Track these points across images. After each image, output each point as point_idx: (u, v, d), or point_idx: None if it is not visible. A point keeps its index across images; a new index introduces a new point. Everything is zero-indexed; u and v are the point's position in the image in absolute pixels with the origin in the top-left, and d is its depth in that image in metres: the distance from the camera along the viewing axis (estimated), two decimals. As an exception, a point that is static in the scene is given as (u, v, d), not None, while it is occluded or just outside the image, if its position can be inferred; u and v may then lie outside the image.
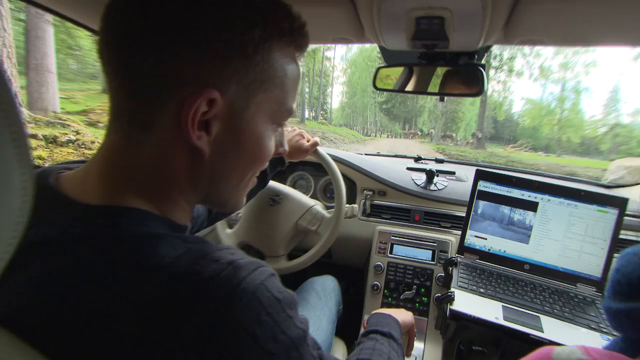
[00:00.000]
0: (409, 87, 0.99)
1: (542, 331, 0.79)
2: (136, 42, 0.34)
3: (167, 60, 0.34)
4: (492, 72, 24.44)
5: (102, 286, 0.31)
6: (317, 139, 1.03)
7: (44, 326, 0.31)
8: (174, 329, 0.30)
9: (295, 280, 1.12)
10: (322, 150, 1.05)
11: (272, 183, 1.17)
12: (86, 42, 14.89)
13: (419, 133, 29.65)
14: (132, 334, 0.30)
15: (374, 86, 1.04)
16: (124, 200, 0.36)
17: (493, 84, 26.57)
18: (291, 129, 1.02)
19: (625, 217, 0.95)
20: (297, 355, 0.35)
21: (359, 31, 0.80)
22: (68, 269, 0.32)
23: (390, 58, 1.01)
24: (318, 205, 1.14)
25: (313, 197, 1.37)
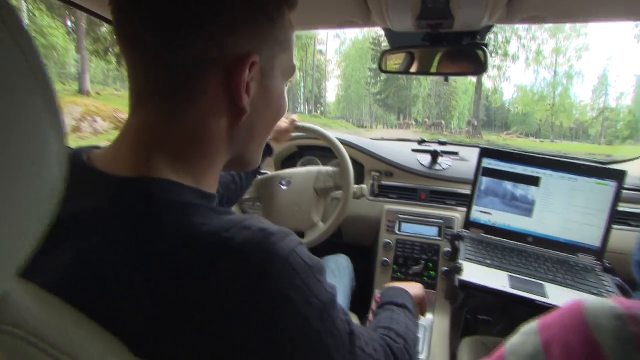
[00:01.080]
0: (414, 68, 1.02)
1: (546, 297, 0.83)
2: (175, 19, 0.36)
3: (207, 33, 0.36)
4: (486, 56, 24.18)
5: (140, 255, 0.33)
6: (294, 116, 1.08)
7: (90, 296, 0.33)
8: (212, 295, 0.32)
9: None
10: (303, 123, 1.11)
11: (275, 172, 1.22)
12: (60, 41, 14.02)
13: (413, 123, 29.05)
14: (172, 299, 0.31)
15: (380, 69, 1.06)
16: (156, 172, 0.37)
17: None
18: None
19: (623, 190, 0.99)
20: (329, 317, 0.37)
21: (365, 13, 0.82)
22: (107, 240, 0.34)
23: (395, 41, 1.04)
24: (324, 167, 1.18)
25: None
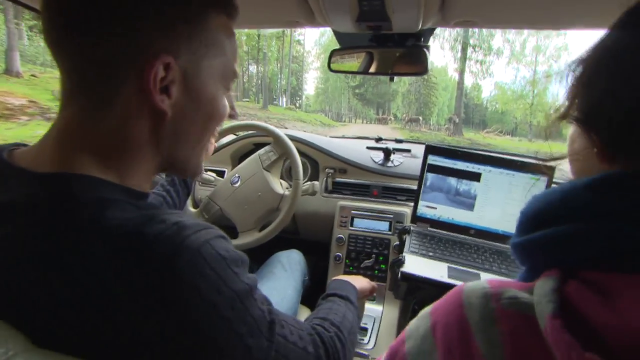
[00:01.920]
0: (362, 68, 1.05)
1: None
2: (85, 23, 0.37)
3: (120, 36, 0.37)
4: (469, 50, 22.80)
5: (52, 249, 0.33)
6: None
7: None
8: (122, 287, 0.32)
9: (262, 255, 1.17)
10: (225, 125, 1.16)
11: (223, 180, 1.24)
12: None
13: (392, 118, 28.08)
14: (83, 293, 0.32)
15: (329, 68, 1.09)
16: (78, 168, 0.37)
17: (470, 64, 23.73)
18: None
19: (553, 185, 1.07)
20: (242, 307, 0.37)
21: (308, 14, 0.84)
22: (18, 233, 0.34)
23: (343, 41, 1.06)
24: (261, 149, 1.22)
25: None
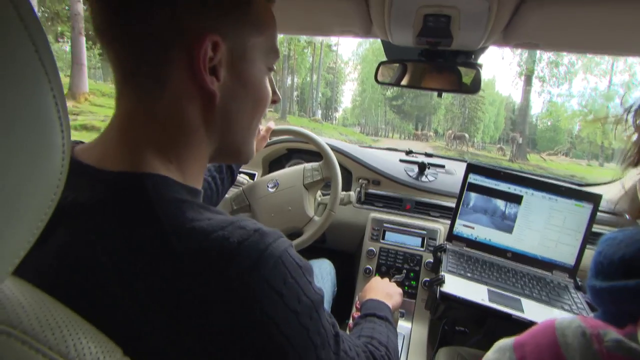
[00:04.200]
0: (409, 81, 1.04)
1: (522, 312, 0.86)
2: (133, 5, 0.36)
3: (168, 18, 0.37)
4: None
5: (136, 249, 0.33)
6: (271, 124, 1.10)
7: (83, 292, 0.33)
8: (205, 289, 0.32)
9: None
10: (279, 126, 1.13)
11: (261, 178, 1.22)
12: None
13: (432, 135, 24.18)
14: (167, 295, 0.32)
15: (376, 80, 1.08)
16: (148, 166, 0.37)
17: (542, 67, 18.06)
18: None
19: (598, 213, 1.04)
20: (317, 316, 0.38)
21: (366, 25, 0.83)
22: (102, 234, 0.34)
23: (392, 53, 1.06)
24: (308, 164, 1.19)
25: None
